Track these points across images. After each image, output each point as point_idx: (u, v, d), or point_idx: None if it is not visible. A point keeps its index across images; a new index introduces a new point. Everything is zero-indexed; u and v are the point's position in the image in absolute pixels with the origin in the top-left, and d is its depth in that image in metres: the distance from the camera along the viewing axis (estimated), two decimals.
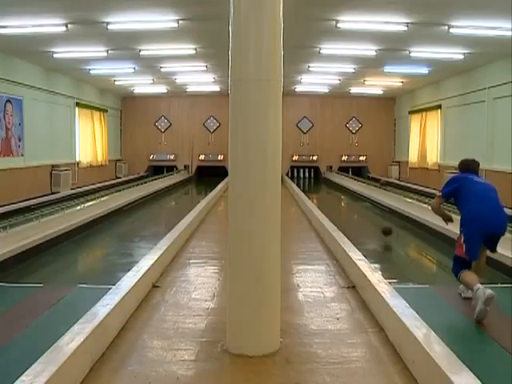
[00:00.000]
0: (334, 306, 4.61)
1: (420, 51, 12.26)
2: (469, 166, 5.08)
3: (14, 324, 4.09)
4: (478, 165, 5.11)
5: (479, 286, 4.27)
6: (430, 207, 5.33)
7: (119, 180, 19.61)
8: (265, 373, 3.27)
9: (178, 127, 22.43)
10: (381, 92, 20.18)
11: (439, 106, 17.41)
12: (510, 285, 5.75)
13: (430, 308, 4.48)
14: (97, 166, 19.09)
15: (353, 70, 15.13)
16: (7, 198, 12.07)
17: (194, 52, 12.46)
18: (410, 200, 12.08)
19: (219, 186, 15.29)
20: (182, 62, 14.22)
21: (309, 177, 23.13)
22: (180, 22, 9.69)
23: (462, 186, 4.79)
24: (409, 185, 17.85)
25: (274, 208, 3.55)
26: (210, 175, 22.30)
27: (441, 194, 4.97)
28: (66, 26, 9.85)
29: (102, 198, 11.90)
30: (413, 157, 19.67)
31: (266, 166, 3.48)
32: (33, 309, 4.49)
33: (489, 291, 4.11)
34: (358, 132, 22.61)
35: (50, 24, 9.80)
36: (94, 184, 17.42)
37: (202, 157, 22.37)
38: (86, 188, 16.15)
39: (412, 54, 12.45)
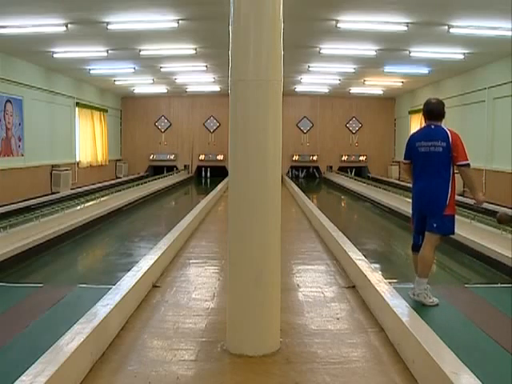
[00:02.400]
0: (334, 305, 4.61)
1: (420, 51, 12.27)
2: (432, 112, 4.67)
3: (14, 324, 4.09)
4: (443, 106, 4.72)
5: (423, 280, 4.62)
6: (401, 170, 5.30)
7: (119, 180, 19.61)
8: (265, 373, 3.26)
9: (177, 127, 22.44)
10: (381, 92, 20.18)
11: None
12: (510, 285, 5.75)
13: (431, 308, 4.49)
14: (97, 166, 19.10)
15: (353, 70, 15.13)
16: (7, 197, 12.08)
17: (194, 52, 12.46)
18: (409, 200, 12.06)
19: (219, 186, 15.29)
20: (181, 62, 14.23)
21: (309, 177, 23.13)
22: (180, 21, 9.69)
23: (412, 156, 4.74)
24: (409, 185, 17.84)
25: (274, 208, 3.55)
26: (210, 175, 22.41)
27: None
28: (66, 26, 9.85)
29: (102, 198, 11.90)
30: None
31: (266, 165, 3.48)
32: (33, 309, 4.49)
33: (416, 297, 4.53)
34: (358, 132, 22.63)
35: (49, 24, 9.80)
36: (94, 184, 17.43)
37: (202, 157, 22.39)
38: (86, 188, 16.16)
39: (412, 54, 12.45)
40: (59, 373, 2.75)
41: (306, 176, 23.06)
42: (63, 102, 16.41)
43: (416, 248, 4.84)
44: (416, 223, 4.80)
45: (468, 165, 4.52)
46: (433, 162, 4.55)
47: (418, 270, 4.66)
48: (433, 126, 4.64)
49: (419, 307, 4.02)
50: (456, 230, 7.34)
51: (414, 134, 4.87)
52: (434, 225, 4.59)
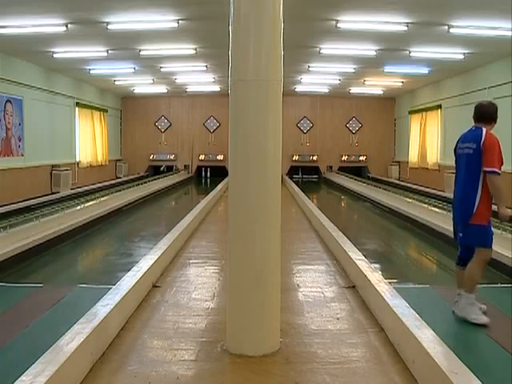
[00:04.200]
0: (334, 305, 4.61)
1: (420, 51, 12.27)
2: (480, 115, 4.45)
3: (14, 324, 4.09)
4: (492, 109, 4.47)
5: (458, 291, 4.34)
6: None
7: (119, 180, 19.61)
8: (265, 373, 3.26)
9: (178, 127, 22.45)
10: (381, 92, 20.18)
11: (439, 106, 17.41)
12: (509, 285, 5.74)
13: (430, 308, 4.48)
14: (97, 166, 19.10)
15: (353, 70, 15.13)
16: (7, 197, 12.08)
17: (194, 52, 12.46)
18: (409, 200, 12.08)
19: (219, 186, 15.29)
20: (182, 62, 14.23)
21: (309, 176, 23.14)
22: (180, 21, 9.70)
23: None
24: (409, 185, 17.87)
25: (274, 208, 3.55)
26: (210, 175, 22.45)
27: None
28: (66, 26, 9.85)
29: (102, 198, 11.91)
30: (413, 157, 19.67)
31: (266, 165, 3.48)
32: (33, 309, 4.49)
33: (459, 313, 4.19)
34: (358, 132, 22.63)
35: (49, 24, 9.81)
36: (94, 184, 17.43)
37: (202, 157, 22.39)
38: (86, 188, 16.16)
39: (412, 54, 12.46)
40: (59, 373, 2.75)
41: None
42: (63, 102, 16.41)
43: (458, 259, 4.44)
44: (454, 231, 4.47)
45: (494, 173, 4.10)
46: (463, 164, 4.30)
47: (462, 284, 4.29)
48: (474, 128, 4.40)
49: (419, 307, 4.01)
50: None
51: (461, 135, 4.55)
52: (460, 234, 4.29)
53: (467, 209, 4.19)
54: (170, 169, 22.35)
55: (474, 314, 4.08)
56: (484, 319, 4.06)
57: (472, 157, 4.20)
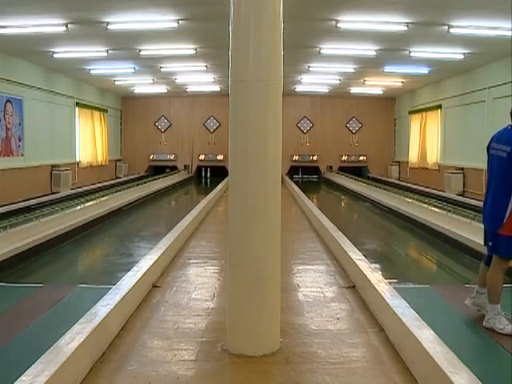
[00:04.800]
0: (334, 305, 4.61)
1: (420, 51, 12.28)
2: None
3: (14, 324, 4.10)
4: None
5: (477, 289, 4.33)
6: None
7: (119, 180, 19.62)
8: (265, 373, 3.26)
9: (177, 127, 22.46)
10: (381, 92, 20.19)
11: (439, 106, 17.42)
12: (510, 285, 5.74)
13: (430, 308, 4.48)
14: (97, 166, 19.11)
15: (353, 70, 15.14)
16: (7, 197, 12.08)
17: (194, 52, 12.47)
18: (409, 200, 12.08)
19: (219, 186, 15.29)
20: (182, 62, 14.24)
21: (309, 176, 23.14)
22: (180, 21, 9.70)
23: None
24: (409, 185, 17.87)
25: (274, 208, 3.55)
26: (210, 175, 22.45)
27: None
28: (66, 26, 9.85)
29: (102, 198, 11.91)
30: (413, 157, 19.68)
31: (266, 165, 3.48)
32: (33, 309, 4.50)
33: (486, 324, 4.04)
34: (358, 132, 22.64)
35: (49, 24, 9.81)
36: (94, 184, 17.43)
37: (202, 157, 22.40)
38: (86, 188, 16.17)
39: (412, 54, 12.46)
40: (59, 373, 2.74)
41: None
42: (63, 102, 16.42)
43: (487, 259, 4.28)
44: (484, 237, 4.26)
45: None
46: (495, 168, 4.02)
47: (483, 283, 4.24)
48: (509, 127, 4.04)
49: (419, 307, 4.01)
50: (456, 230, 7.22)
51: (496, 133, 4.20)
52: (490, 243, 4.08)
53: (497, 218, 3.97)
54: (170, 169, 22.37)
55: (500, 324, 3.94)
56: (510, 329, 3.91)
57: (505, 161, 3.90)
